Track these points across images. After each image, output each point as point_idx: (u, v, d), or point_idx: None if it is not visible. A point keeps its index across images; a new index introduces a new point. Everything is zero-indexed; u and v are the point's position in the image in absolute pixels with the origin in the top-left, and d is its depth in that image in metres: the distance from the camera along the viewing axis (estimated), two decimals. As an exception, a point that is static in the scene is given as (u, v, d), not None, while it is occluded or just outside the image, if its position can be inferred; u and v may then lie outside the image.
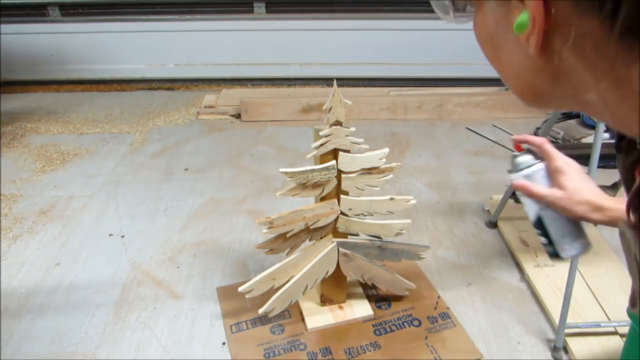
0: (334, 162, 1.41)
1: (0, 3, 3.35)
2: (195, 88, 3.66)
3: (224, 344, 1.64)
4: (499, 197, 2.19)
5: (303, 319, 1.69)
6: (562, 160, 0.80)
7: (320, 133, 1.37)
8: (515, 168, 0.85)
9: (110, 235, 2.15)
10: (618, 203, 0.79)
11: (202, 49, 3.57)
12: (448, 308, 1.74)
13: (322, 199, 1.49)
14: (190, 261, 2.00)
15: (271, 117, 3.15)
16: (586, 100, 0.40)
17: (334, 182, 1.46)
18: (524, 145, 0.85)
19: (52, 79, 3.64)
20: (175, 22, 3.48)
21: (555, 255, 0.84)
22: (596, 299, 1.75)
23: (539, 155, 0.84)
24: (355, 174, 1.46)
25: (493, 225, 2.17)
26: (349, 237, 1.60)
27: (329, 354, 1.57)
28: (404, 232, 1.61)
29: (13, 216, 2.27)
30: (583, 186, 0.77)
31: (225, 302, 1.79)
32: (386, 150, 1.45)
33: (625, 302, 1.53)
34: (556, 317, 1.63)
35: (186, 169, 2.63)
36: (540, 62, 0.41)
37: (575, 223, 0.82)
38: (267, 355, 1.58)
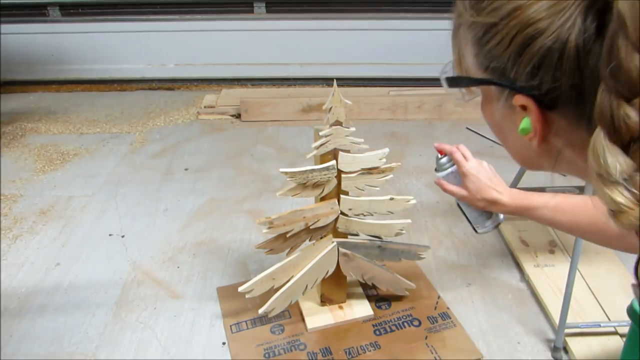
0: (334, 162, 1.41)
1: (0, 3, 3.35)
2: (195, 88, 3.66)
3: (224, 344, 1.64)
4: (499, 197, 2.19)
5: (303, 319, 1.69)
6: (467, 167, 1.02)
7: (320, 133, 1.37)
8: (438, 168, 1.09)
9: (110, 235, 2.15)
10: (512, 199, 0.97)
11: (202, 49, 3.57)
12: (448, 308, 1.74)
13: (322, 199, 1.49)
14: (190, 261, 2.00)
15: (271, 117, 3.15)
16: (582, 171, 0.51)
17: (334, 182, 1.46)
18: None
19: (52, 79, 3.64)
20: (175, 22, 3.48)
21: (475, 231, 1.08)
22: (596, 299, 1.75)
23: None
24: (355, 174, 1.46)
25: (493, 225, 2.17)
26: (349, 237, 1.60)
27: (329, 354, 1.57)
28: (404, 232, 1.61)
29: (13, 216, 2.27)
30: (482, 186, 0.98)
31: (225, 302, 1.79)
32: (386, 150, 1.45)
33: (625, 302, 1.53)
34: (556, 317, 1.63)
35: (186, 169, 2.63)
36: (541, 152, 0.52)
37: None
38: (267, 355, 1.58)
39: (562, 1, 0.42)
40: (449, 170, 1.06)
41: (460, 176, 1.04)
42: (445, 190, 1.06)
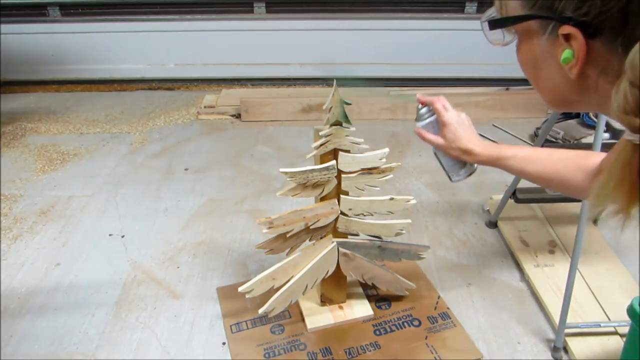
0: (334, 162, 1.41)
1: (0, 3, 3.35)
2: (195, 88, 3.66)
3: (224, 344, 1.64)
4: (499, 197, 2.19)
5: (303, 319, 1.69)
6: (447, 116, 1.06)
7: (320, 133, 1.37)
8: (417, 118, 1.13)
9: (110, 235, 2.15)
10: (484, 149, 1.03)
11: (202, 49, 3.57)
12: (448, 308, 1.74)
13: (322, 199, 1.49)
14: (190, 261, 2.00)
15: (271, 117, 3.15)
16: (606, 104, 0.52)
17: (334, 182, 1.46)
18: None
19: (52, 79, 3.64)
20: (175, 22, 3.48)
21: (450, 179, 1.14)
22: (596, 299, 1.75)
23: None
24: (355, 174, 1.46)
25: (493, 225, 2.17)
26: (349, 237, 1.60)
27: (329, 354, 1.57)
28: (404, 232, 1.61)
29: (13, 216, 2.27)
30: (459, 136, 1.04)
31: (225, 302, 1.79)
32: (386, 150, 1.45)
33: (625, 302, 1.53)
34: (556, 317, 1.63)
35: (186, 169, 2.63)
36: (576, 83, 0.56)
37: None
38: (267, 355, 1.58)
39: None
40: (428, 120, 1.11)
41: (438, 126, 1.09)
42: (423, 138, 1.12)
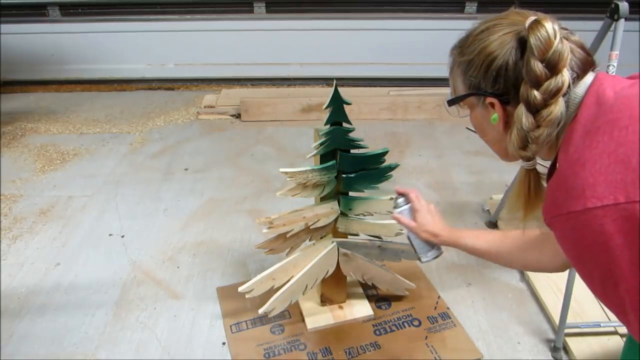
0: (334, 162, 1.41)
1: (0, 3, 3.35)
2: (195, 88, 3.66)
3: (224, 344, 1.64)
4: (499, 197, 2.19)
5: (303, 319, 1.69)
6: (419, 204, 1.27)
7: (320, 133, 1.37)
8: (395, 206, 1.30)
9: (110, 235, 2.15)
10: (447, 232, 1.23)
11: (202, 49, 3.57)
12: (448, 308, 1.74)
13: (322, 199, 1.49)
14: (190, 261, 2.00)
15: (271, 117, 3.15)
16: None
17: (334, 182, 1.46)
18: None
19: (52, 79, 3.64)
20: (175, 22, 3.48)
21: (419, 259, 1.29)
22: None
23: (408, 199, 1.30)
24: (355, 174, 1.46)
25: (493, 225, 2.17)
26: (349, 237, 1.60)
27: (329, 354, 1.57)
28: (404, 232, 1.60)
29: (13, 216, 2.27)
30: (428, 221, 1.24)
31: (225, 302, 1.79)
32: (386, 150, 1.45)
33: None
34: (556, 317, 1.63)
35: (186, 169, 2.63)
36: (505, 135, 0.83)
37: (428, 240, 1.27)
38: (267, 355, 1.58)
39: (505, 37, 0.78)
40: (403, 207, 1.29)
41: (411, 213, 1.28)
42: (399, 222, 1.30)
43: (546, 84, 0.73)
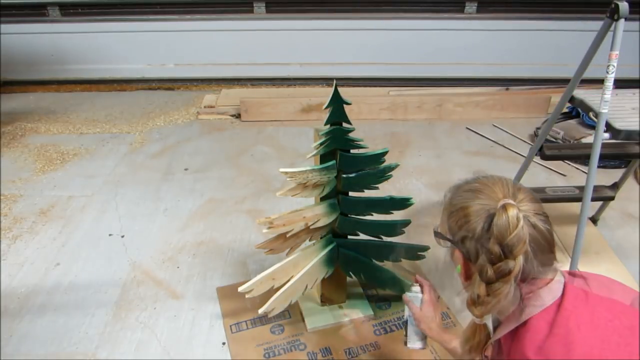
0: (334, 162, 1.41)
1: (0, 3, 3.35)
2: (195, 88, 3.66)
3: (224, 344, 1.64)
4: (499, 197, 2.19)
5: (303, 319, 1.69)
6: (428, 298, 1.34)
7: (320, 133, 1.37)
8: (409, 290, 1.38)
9: (110, 235, 2.15)
10: (439, 331, 1.31)
11: (202, 49, 3.57)
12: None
13: (322, 199, 1.49)
14: (190, 261, 2.00)
15: (271, 117, 3.15)
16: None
17: (334, 182, 1.46)
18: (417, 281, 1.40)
19: (52, 79, 3.64)
20: (175, 22, 3.48)
21: (405, 343, 1.36)
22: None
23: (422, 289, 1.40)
24: (355, 174, 1.46)
25: (493, 225, 2.17)
26: (348, 237, 1.60)
27: (329, 354, 1.57)
28: (404, 232, 1.61)
29: (13, 216, 2.27)
30: (430, 315, 1.32)
31: (225, 302, 1.79)
32: (386, 150, 1.45)
33: (625, 302, 1.51)
34: (556, 317, 1.63)
35: (186, 169, 2.63)
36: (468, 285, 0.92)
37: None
38: (267, 355, 1.58)
39: (481, 208, 0.85)
40: (416, 295, 1.37)
41: (421, 302, 1.36)
42: (408, 305, 1.38)
43: (500, 264, 0.81)
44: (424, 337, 1.35)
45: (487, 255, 0.82)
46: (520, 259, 0.80)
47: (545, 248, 0.84)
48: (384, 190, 1.53)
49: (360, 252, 1.59)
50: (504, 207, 0.81)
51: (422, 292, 1.36)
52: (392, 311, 1.73)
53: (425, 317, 1.32)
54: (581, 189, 1.80)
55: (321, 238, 1.56)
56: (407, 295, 1.37)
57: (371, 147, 1.44)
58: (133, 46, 3.55)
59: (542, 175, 2.57)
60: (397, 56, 3.54)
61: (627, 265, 1.92)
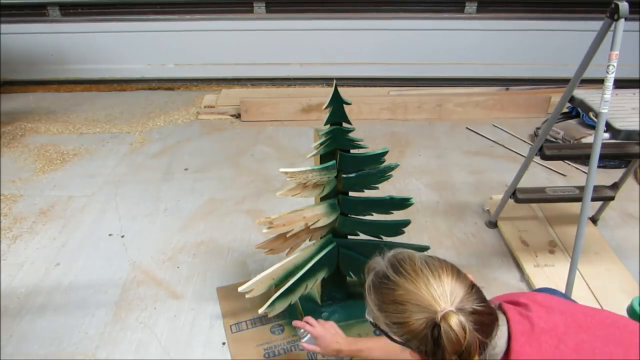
0: (334, 162, 1.41)
1: (0, 3, 3.35)
2: (195, 88, 3.66)
3: (224, 344, 1.64)
4: (499, 197, 2.19)
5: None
6: (315, 332, 1.40)
7: (320, 133, 1.37)
8: (300, 336, 1.48)
9: (110, 235, 2.15)
10: (348, 345, 1.36)
11: (202, 49, 3.57)
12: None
13: (322, 199, 1.49)
14: (190, 261, 2.00)
15: (271, 117, 3.15)
16: None
17: (334, 182, 1.46)
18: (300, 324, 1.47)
19: (52, 79, 3.64)
20: (175, 22, 3.48)
21: None
22: (596, 298, 1.75)
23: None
24: (355, 174, 1.46)
25: (493, 225, 2.17)
26: (348, 237, 1.60)
27: (329, 354, 1.57)
28: (404, 232, 1.60)
29: (13, 216, 2.27)
30: (328, 343, 1.37)
31: (225, 302, 1.79)
32: (386, 150, 1.45)
33: (625, 301, 1.53)
34: (556, 317, 1.63)
35: (186, 169, 2.63)
36: None
37: None
38: (267, 355, 1.58)
39: (420, 322, 0.82)
40: (307, 337, 1.44)
41: (311, 339, 1.42)
42: (306, 350, 1.44)
43: None
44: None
45: None
46: (477, 359, 0.82)
47: (490, 319, 0.85)
48: (384, 190, 1.53)
49: (360, 252, 1.59)
50: (445, 319, 0.80)
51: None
52: (392, 311, 1.72)
53: (327, 347, 1.37)
54: (581, 189, 1.80)
55: (321, 238, 1.56)
56: (302, 343, 1.45)
57: (371, 147, 1.44)
58: (133, 46, 3.55)
59: (542, 175, 2.57)
60: (397, 56, 3.53)
61: (627, 265, 1.92)
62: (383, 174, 1.48)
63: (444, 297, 0.83)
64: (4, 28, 3.42)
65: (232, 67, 3.61)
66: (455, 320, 0.80)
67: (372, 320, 0.95)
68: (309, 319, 1.46)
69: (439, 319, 0.81)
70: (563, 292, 1.60)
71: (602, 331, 0.88)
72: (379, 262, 0.94)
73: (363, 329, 1.65)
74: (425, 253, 0.99)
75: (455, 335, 0.79)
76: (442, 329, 0.80)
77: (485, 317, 0.84)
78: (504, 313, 0.91)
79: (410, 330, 0.84)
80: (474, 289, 0.86)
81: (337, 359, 1.42)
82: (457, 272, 0.88)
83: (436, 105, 3.16)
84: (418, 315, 0.83)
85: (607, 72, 1.42)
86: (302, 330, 1.47)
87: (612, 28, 1.42)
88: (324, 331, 1.40)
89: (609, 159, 2.55)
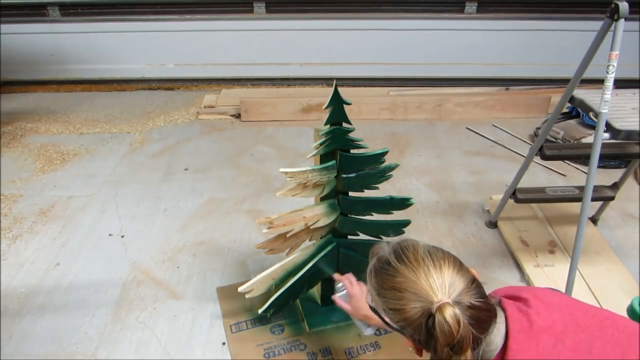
0: (334, 162, 1.41)
1: (0, 3, 3.35)
2: (195, 88, 3.66)
3: (224, 344, 1.64)
4: (499, 197, 2.19)
5: (303, 319, 1.69)
6: (352, 291, 1.39)
7: (320, 133, 1.37)
8: (335, 290, 1.47)
9: (110, 235, 2.15)
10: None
11: (202, 49, 3.57)
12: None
13: (322, 199, 1.49)
14: (190, 261, 2.00)
15: (271, 117, 3.15)
16: None
17: (334, 182, 1.46)
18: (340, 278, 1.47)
19: (52, 79, 3.64)
20: (175, 22, 3.48)
21: (360, 335, 1.49)
22: (596, 298, 1.75)
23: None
24: (355, 174, 1.46)
25: (493, 225, 2.17)
26: (348, 237, 1.60)
27: (328, 354, 1.57)
28: (404, 232, 1.60)
29: (13, 216, 2.27)
30: (361, 306, 1.34)
31: (225, 302, 1.79)
32: (386, 150, 1.45)
33: (625, 301, 1.53)
34: (556, 317, 1.63)
35: (186, 169, 2.63)
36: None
37: None
38: (267, 355, 1.58)
39: (416, 311, 0.82)
40: (343, 292, 1.43)
41: (347, 297, 1.41)
42: (336, 304, 1.43)
43: (452, 358, 0.82)
44: (370, 324, 1.37)
45: (436, 353, 0.82)
46: (469, 353, 0.81)
47: (487, 316, 0.85)
48: (384, 190, 1.53)
49: (360, 252, 1.59)
50: (440, 310, 0.80)
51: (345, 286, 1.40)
52: (392, 311, 1.72)
53: (358, 310, 1.34)
54: (581, 189, 1.80)
55: (321, 238, 1.56)
56: (335, 297, 1.43)
57: (371, 147, 1.43)
58: (133, 46, 3.55)
59: (542, 175, 2.57)
60: (397, 56, 3.53)
61: (627, 265, 1.92)
62: (383, 174, 1.48)
63: (442, 288, 0.83)
64: (4, 28, 3.42)
65: (232, 67, 3.61)
66: (450, 313, 0.80)
67: (370, 303, 0.96)
68: (350, 275, 1.43)
69: (435, 309, 0.81)
70: (563, 292, 1.60)
71: (601, 332, 0.87)
72: (383, 248, 0.94)
73: (363, 329, 1.65)
74: (430, 244, 0.98)
75: (448, 328, 0.79)
76: (436, 319, 0.80)
77: (482, 312, 0.84)
78: (503, 310, 0.91)
79: (405, 318, 0.84)
80: (474, 284, 0.86)
81: (362, 324, 1.36)
82: (459, 265, 0.87)
83: (436, 105, 3.16)
84: (414, 303, 0.83)
85: (607, 72, 1.42)
86: (339, 285, 1.43)
87: (612, 28, 1.42)
88: (360, 293, 1.36)
89: (609, 159, 2.55)
